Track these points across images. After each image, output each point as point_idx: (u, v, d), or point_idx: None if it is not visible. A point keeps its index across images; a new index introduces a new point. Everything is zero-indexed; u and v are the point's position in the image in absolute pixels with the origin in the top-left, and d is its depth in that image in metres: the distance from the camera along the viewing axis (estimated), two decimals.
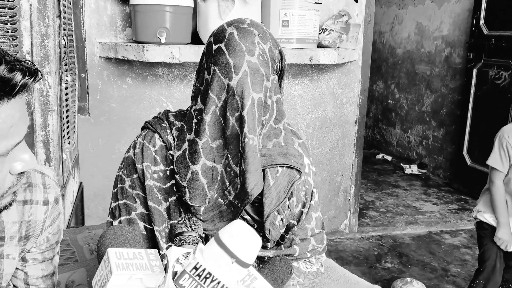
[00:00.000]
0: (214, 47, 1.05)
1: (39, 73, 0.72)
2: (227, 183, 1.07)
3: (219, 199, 1.09)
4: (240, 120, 1.01)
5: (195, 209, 1.09)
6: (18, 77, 0.69)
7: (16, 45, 1.63)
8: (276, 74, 1.11)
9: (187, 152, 1.09)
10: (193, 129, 1.08)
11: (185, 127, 1.12)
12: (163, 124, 1.16)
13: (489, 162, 2.00)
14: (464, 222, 3.48)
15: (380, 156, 5.19)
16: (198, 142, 1.06)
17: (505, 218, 1.96)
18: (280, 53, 1.10)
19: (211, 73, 1.05)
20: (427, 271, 2.73)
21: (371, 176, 4.51)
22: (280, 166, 1.11)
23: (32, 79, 0.71)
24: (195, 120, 1.09)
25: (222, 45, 1.04)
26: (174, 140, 1.13)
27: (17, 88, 0.69)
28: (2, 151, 0.71)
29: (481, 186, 3.77)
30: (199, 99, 1.09)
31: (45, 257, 1.00)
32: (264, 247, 1.17)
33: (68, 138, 2.08)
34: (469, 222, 3.47)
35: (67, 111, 2.03)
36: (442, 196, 4.04)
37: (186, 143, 1.09)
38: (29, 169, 0.79)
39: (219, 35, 1.06)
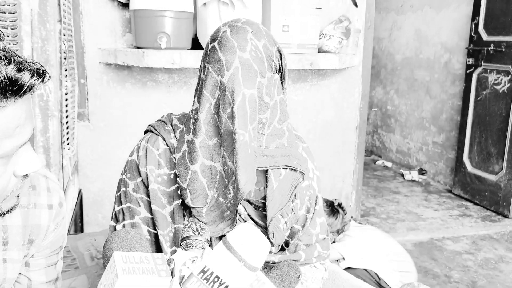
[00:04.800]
0: (209, 46, 1.06)
1: (47, 74, 0.71)
2: (226, 182, 1.06)
3: (220, 198, 1.07)
4: (232, 116, 1.00)
5: (197, 211, 1.07)
6: (26, 77, 0.68)
7: (17, 50, 1.61)
8: (278, 74, 1.09)
9: (186, 153, 1.07)
10: (191, 129, 1.07)
11: (184, 128, 1.11)
12: (166, 128, 1.15)
13: None
14: (466, 228, 3.46)
15: (380, 162, 5.18)
16: (195, 142, 1.05)
17: None
18: (279, 51, 1.09)
19: (205, 71, 1.05)
20: (430, 277, 2.71)
21: (371, 183, 4.49)
22: (283, 168, 1.09)
23: (40, 79, 0.70)
24: (192, 120, 1.08)
25: (216, 43, 1.04)
26: (177, 142, 1.12)
27: (25, 88, 0.68)
28: (7, 151, 0.70)
29: (482, 192, 3.77)
30: (195, 98, 1.09)
31: (49, 262, 0.98)
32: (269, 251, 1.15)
33: (68, 144, 2.06)
34: (471, 228, 3.45)
35: (67, 116, 2.01)
36: (443, 202, 4.03)
37: (185, 144, 1.08)
38: (34, 172, 0.78)
39: (214, 35, 1.07)
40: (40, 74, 0.70)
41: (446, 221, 3.58)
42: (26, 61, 0.69)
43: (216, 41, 1.04)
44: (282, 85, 1.13)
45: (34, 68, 0.69)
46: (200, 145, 1.05)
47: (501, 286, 2.63)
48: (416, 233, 3.33)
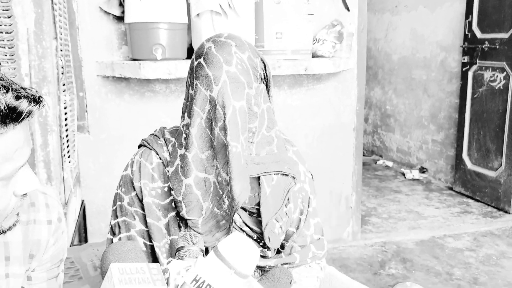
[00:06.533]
0: (195, 62, 1.10)
1: (43, 100, 0.75)
2: (221, 193, 1.09)
3: (215, 209, 1.11)
4: (224, 129, 1.04)
5: (193, 222, 1.10)
6: (24, 104, 0.72)
7: (15, 68, 1.65)
8: (263, 83, 1.13)
9: (179, 167, 1.11)
10: (183, 144, 1.11)
11: (176, 143, 1.14)
12: (159, 142, 1.18)
13: None
14: (467, 225, 3.48)
15: (380, 162, 5.21)
16: (188, 156, 1.09)
17: None
18: (263, 61, 1.13)
19: (194, 87, 1.09)
20: (431, 275, 2.73)
21: (373, 183, 4.52)
22: (275, 174, 1.13)
23: (37, 106, 0.74)
24: (184, 135, 1.12)
25: (201, 60, 1.08)
26: (170, 156, 1.16)
27: (24, 115, 0.72)
28: (7, 174, 0.74)
29: (483, 188, 3.79)
30: (186, 114, 1.12)
31: (50, 275, 1.01)
32: (264, 256, 1.18)
33: (69, 157, 2.10)
34: (472, 225, 3.47)
35: (66, 130, 2.05)
36: (444, 200, 4.05)
37: (178, 159, 1.12)
38: (32, 190, 0.81)
39: (198, 51, 1.10)
40: (37, 100, 0.74)
41: (447, 219, 3.61)
42: (23, 88, 0.73)
43: (202, 57, 1.08)
44: (268, 94, 1.17)
45: (31, 95, 0.73)
46: (193, 159, 1.09)
47: (502, 282, 2.65)
48: (418, 232, 3.36)
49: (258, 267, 1.18)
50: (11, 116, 0.71)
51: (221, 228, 1.12)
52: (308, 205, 1.24)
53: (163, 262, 1.13)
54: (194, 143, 1.08)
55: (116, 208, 1.19)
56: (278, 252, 1.22)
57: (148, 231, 1.15)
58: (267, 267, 1.18)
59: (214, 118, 1.06)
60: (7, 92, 0.70)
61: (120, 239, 1.16)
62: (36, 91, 0.75)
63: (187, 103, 1.12)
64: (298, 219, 1.22)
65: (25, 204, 0.85)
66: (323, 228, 1.32)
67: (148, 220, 1.14)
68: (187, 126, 1.10)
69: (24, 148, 0.76)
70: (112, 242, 1.18)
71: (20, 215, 0.86)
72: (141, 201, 1.15)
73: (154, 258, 1.16)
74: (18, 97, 0.71)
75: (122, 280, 0.82)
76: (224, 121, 1.04)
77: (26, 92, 0.73)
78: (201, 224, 1.11)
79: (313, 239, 1.25)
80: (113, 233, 1.19)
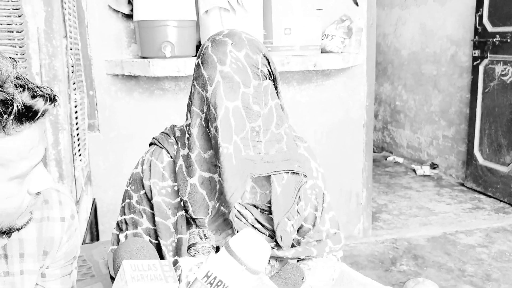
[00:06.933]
0: (196, 62, 1.10)
1: (57, 98, 0.76)
2: None
3: (222, 208, 1.11)
4: (216, 130, 1.04)
5: (200, 221, 1.10)
6: (40, 103, 0.73)
7: (26, 67, 1.66)
8: (269, 79, 1.11)
9: (183, 167, 1.11)
10: (186, 144, 1.11)
11: (179, 143, 1.14)
12: (169, 140, 1.18)
13: None
14: (479, 221, 3.45)
15: (391, 158, 5.18)
16: (191, 156, 1.09)
17: None
18: (266, 57, 1.10)
19: (193, 87, 1.10)
20: (443, 272, 2.71)
21: (383, 179, 4.49)
22: (285, 173, 1.12)
23: (52, 104, 0.74)
24: (187, 135, 1.12)
25: (199, 60, 1.08)
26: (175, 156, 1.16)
27: (39, 114, 0.73)
28: (22, 172, 0.75)
29: (495, 184, 3.75)
30: (188, 113, 1.12)
31: (63, 272, 1.02)
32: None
33: (80, 155, 2.11)
34: (484, 221, 3.44)
35: (77, 129, 2.06)
36: (456, 195, 4.02)
37: (181, 159, 1.12)
38: (46, 189, 0.82)
39: (199, 51, 1.11)
40: (52, 99, 0.75)
41: (459, 215, 3.58)
42: (38, 87, 0.74)
43: (200, 58, 1.08)
44: (276, 89, 1.15)
45: (46, 94, 0.74)
46: (196, 159, 1.09)
47: None
48: (429, 228, 3.34)
49: (276, 258, 1.17)
50: (27, 115, 0.72)
51: (229, 226, 1.12)
52: (323, 201, 1.23)
53: (170, 261, 1.13)
54: (196, 143, 1.08)
55: (124, 205, 1.20)
56: (294, 247, 1.22)
57: (155, 229, 1.16)
58: (285, 257, 1.17)
59: (210, 119, 1.06)
60: (23, 91, 0.71)
61: (126, 235, 1.17)
62: (51, 90, 0.76)
63: (189, 102, 1.13)
64: (313, 216, 1.21)
65: (38, 201, 0.86)
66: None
67: (156, 218, 1.14)
68: (189, 126, 1.11)
69: (39, 146, 0.77)
70: (118, 237, 1.19)
71: (34, 212, 0.87)
72: (149, 200, 1.15)
73: (160, 257, 1.16)
74: (34, 96, 0.72)
75: (134, 277, 0.83)
76: (216, 122, 1.03)
77: (41, 91, 0.74)
78: (208, 223, 1.11)
79: (330, 233, 1.25)
80: (120, 229, 1.20)
